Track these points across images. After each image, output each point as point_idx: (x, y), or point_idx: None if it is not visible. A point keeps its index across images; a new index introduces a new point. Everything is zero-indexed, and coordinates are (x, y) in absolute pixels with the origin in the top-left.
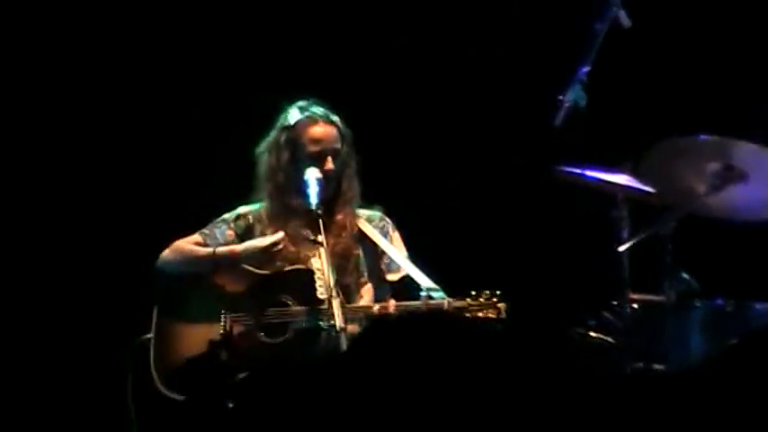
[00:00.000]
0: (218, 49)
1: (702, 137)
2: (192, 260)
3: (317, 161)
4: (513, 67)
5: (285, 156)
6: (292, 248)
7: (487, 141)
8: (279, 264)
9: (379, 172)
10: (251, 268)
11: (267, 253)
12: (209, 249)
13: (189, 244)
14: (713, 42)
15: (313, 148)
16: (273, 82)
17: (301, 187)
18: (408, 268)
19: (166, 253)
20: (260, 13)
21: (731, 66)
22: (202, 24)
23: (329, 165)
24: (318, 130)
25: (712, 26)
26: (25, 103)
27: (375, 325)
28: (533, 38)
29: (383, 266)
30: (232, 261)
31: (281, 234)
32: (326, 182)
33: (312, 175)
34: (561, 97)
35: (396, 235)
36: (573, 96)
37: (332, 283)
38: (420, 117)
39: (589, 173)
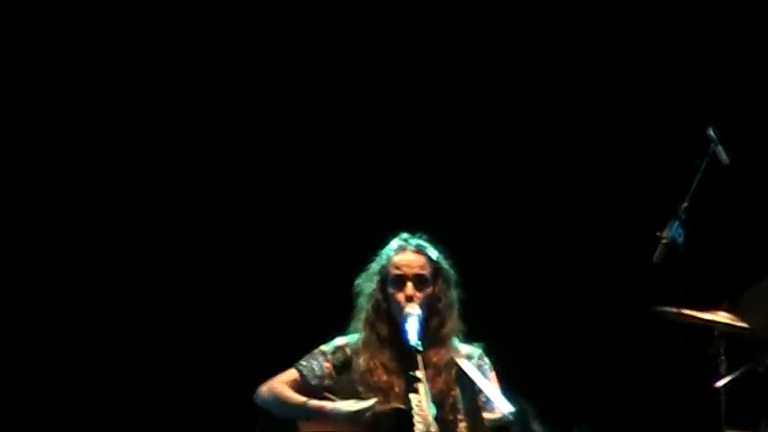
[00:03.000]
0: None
1: None
2: (286, 406)
3: (398, 286)
4: (612, 202)
5: (376, 283)
6: (384, 377)
7: (588, 277)
8: (371, 396)
9: (482, 308)
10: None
11: (355, 418)
12: (302, 399)
13: (285, 386)
14: None
15: (394, 272)
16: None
17: (401, 323)
18: (507, 409)
19: (263, 391)
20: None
21: None
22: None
23: (409, 290)
24: (403, 256)
25: None
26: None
27: None
28: (632, 175)
29: (480, 404)
30: (321, 415)
31: (372, 401)
32: (424, 315)
33: (411, 311)
34: (660, 234)
35: (492, 375)
36: (671, 233)
37: (431, 420)
38: (522, 255)
39: (686, 310)
